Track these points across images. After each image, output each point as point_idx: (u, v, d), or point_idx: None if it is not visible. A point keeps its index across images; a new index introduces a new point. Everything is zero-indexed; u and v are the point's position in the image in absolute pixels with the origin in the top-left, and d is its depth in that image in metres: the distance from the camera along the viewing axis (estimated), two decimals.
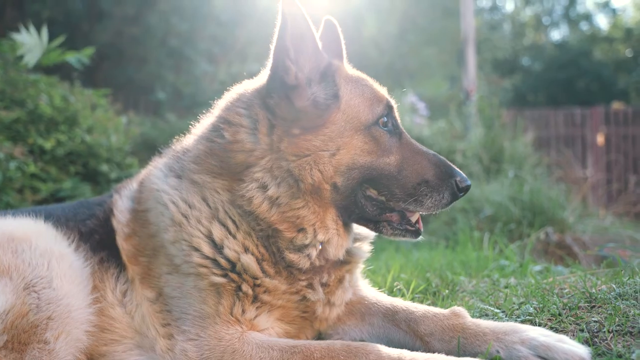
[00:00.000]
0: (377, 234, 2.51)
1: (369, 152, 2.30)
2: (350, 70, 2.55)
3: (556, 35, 44.47)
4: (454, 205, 7.15)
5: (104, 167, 6.43)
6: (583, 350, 1.88)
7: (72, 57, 6.68)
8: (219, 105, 2.54)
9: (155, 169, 2.60)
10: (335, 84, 2.36)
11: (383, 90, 2.50)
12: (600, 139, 17.77)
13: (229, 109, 2.44)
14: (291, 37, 2.28)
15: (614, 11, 43.29)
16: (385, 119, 2.38)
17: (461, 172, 2.39)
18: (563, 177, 9.29)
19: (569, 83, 34.80)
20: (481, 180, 7.74)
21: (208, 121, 2.54)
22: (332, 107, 2.30)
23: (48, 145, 5.88)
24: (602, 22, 43.54)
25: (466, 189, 2.38)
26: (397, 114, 2.50)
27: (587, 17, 43.57)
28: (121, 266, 2.46)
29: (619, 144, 17.38)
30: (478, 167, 8.36)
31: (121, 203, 2.59)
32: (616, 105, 21.35)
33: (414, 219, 2.41)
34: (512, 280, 3.32)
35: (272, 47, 2.31)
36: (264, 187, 2.26)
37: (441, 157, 2.42)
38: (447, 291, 3.10)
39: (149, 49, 15.55)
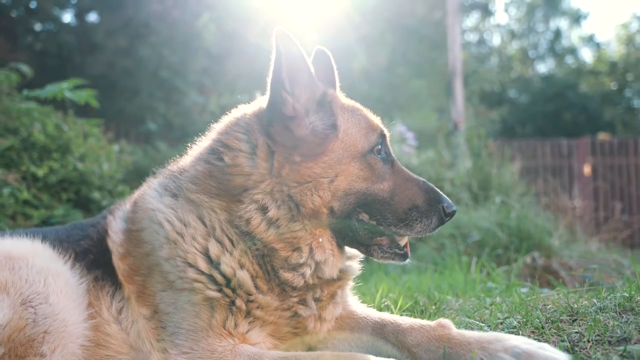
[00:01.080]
0: (367, 256, 2.59)
1: (364, 178, 2.41)
2: (344, 99, 2.66)
3: (542, 68, 45.22)
4: (441, 231, 7.26)
5: (96, 195, 6.48)
6: (563, 357, 1.96)
7: (71, 93, 6.74)
8: (217, 129, 2.62)
9: (150, 189, 2.67)
10: (333, 114, 2.47)
11: (377, 120, 2.62)
12: (587, 169, 18.01)
13: (227, 133, 2.53)
14: (286, 69, 2.38)
15: (598, 45, 44.20)
16: (380, 146, 2.50)
17: (447, 198, 2.51)
18: (550, 205, 9.41)
19: (556, 115, 35.32)
20: (469, 207, 7.84)
21: (205, 143, 2.62)
22: (330, 136, 2.41)
23: (41, 172, 5.93)
24: (587, 55, 44.44)
25: (452, 214, 2.51)
26: (389, 143, 2.61)
27: (572, 51, 44.46)
28: (117, 285, 2.51)
29: (606, 174, 17.62)
30: (466, 195, 8.48)
31: (115, 224, 2.66)
32: (602, 136, 21.71)
33: (402, 242, 2.52)
34: (498, 299, 3.39)
35: (269, 79, 2.41)
36: (264, 209, 2.34)
37: (430, 184, 2.54)
38: (433, 308, 3.17)
39: (141, 81, 15.72)
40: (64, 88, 6.55)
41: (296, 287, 2.38)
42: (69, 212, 6.01)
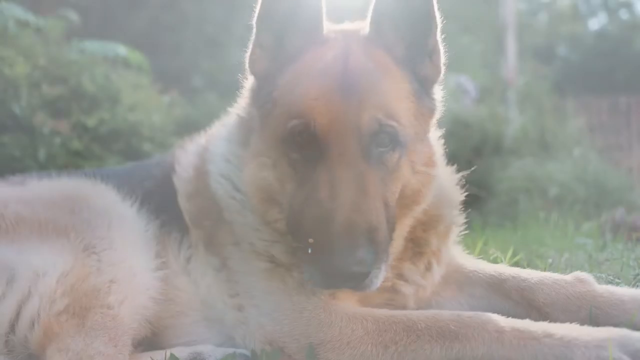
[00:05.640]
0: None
1: None
2: None
3: (594, 24, 43.36)
4: (513, 185, 6.76)
5: (147, 146, 6.26)
6: None
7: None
8: None
9: (219, 131, 2.34)
10: None
11: None
12: None
13: None
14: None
15: None
16: None
17: None
18: (619, 162, 8.85)
19: (609, 72, 34.00)
20: (541, 160, 7.26)
21: None
22: None
23: (91, 122, 5.74)
24: None
25: None
26: None
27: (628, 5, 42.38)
28: (183, 230, 2.19)
29: None
30: (532, 147, 7.94)
31: (185, 158, 2.33)
32: None
33: None
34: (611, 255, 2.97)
35: None
36: None
37: None
38: (540, 263, 2.76)
39: (184, 37, 15.47)
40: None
41: None
42: (120, 164, 5.81)
